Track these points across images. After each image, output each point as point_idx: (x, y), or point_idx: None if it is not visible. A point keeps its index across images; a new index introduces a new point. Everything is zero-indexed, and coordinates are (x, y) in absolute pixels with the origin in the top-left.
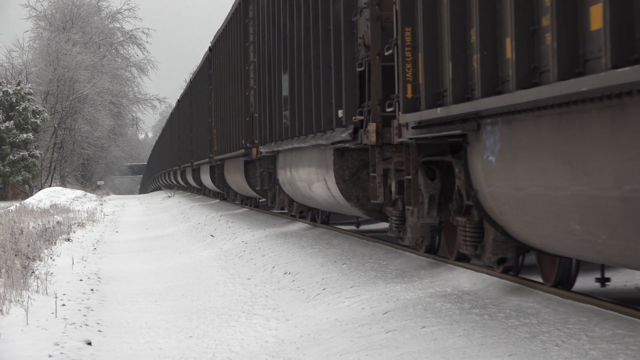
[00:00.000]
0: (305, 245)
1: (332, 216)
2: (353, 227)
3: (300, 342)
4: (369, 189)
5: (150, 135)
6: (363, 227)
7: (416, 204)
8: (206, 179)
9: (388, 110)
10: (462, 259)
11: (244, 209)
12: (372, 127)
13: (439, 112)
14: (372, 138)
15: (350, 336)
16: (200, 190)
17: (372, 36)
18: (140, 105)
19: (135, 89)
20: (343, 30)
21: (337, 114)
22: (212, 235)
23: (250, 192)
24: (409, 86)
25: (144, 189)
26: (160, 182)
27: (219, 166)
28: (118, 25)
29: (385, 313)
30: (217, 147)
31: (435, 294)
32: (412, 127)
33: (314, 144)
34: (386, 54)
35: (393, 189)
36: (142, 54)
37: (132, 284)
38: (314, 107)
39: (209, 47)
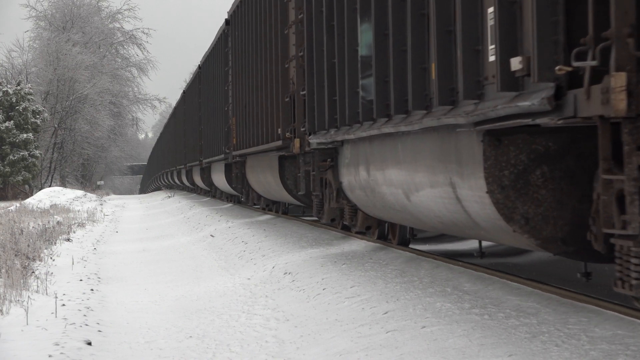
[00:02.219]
0: (305, 246)
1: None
2: (444, 247)
3: (300, 342)
4: (544, 202)
5: (150, 135)
6: (489, 247)
7: None
8: (219, 179)
9: None
10: None
11: (267, 216)
12: (617, 80)
13: None
14: (620, 103)
15: (350, 336)
16: (208, 192)
17: None
18: (140, 105)
19: (135, 89)
20: None
21: (503, 65)
22: (212, 238)
23: (284, 197)
24: None
25: (144, 189)
26: (161, 182)
27: (238, 164)
28: (118, 25)
29: (385, 313)
30: (237, 141)
31: None
32: None
33: (430, 126)
34: None
35: None
36: (142, 54)
37: (132, 284)
38: (438, 64)
39: (225, 19)
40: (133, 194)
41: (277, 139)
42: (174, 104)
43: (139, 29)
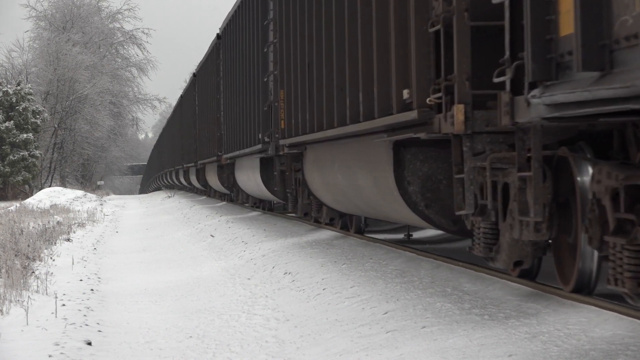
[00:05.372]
0: (305, 246)
1: None
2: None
3: (300, 342)
4: None
5: (150, 135)
6: None
7: None
8: (248, 179)
9: None
10: None
11: (331, 233)
12: None
13: None
14: None
15: (350, 336)
16: (224, 195)
17: None
18: (140, 105)
19: (135, 89)
20: None
21: None
22: None
23: (394, 214)
24: None
25: (144, 190)
26: (162, 182)
27: (286, 158)
28: (118, 25)
29: (385, 313)
30: (289, 124)
31: None
32: None
33: None
34: None
35: None
36: (142, 54)
37: (132, 284)
38: None
39: None
40: (133, 194)
41: (400, 110)
42: (174, 104)
43: (139, 29)
